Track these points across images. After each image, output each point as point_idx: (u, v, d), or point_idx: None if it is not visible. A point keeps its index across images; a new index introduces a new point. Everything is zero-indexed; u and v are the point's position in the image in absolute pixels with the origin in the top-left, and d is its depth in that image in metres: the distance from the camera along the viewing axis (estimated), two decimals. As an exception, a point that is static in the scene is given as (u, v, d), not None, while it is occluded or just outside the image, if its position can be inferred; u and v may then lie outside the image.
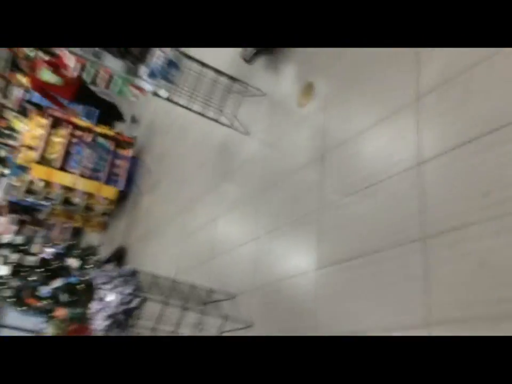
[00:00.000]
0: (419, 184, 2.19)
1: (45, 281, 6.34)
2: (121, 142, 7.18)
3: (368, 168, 2.56)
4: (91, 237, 8.05)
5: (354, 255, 2.43)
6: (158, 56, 4.03)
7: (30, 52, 8.02)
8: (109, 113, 8.05)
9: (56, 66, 7.04)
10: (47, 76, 6.89)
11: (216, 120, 4.01)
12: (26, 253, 6.44)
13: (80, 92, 7.24)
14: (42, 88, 7.15)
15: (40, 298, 6.35)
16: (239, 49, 4.40)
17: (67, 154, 6.79)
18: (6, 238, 6.81)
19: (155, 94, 4.08)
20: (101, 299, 3.04)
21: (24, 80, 9.29)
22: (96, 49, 4.03)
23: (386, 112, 2.54)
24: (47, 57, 7.51)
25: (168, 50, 4.04)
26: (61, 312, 6.37)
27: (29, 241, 6.74)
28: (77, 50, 4.13)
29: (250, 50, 4.24)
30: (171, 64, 4.07)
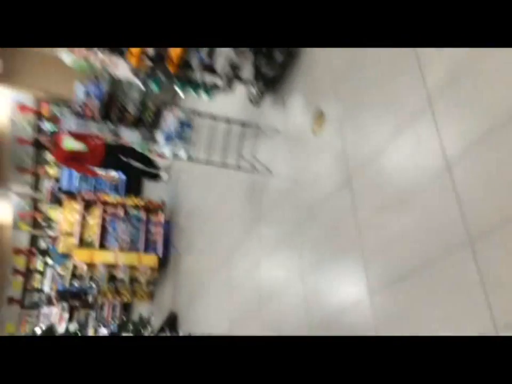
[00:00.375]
0: (452, 186, 2.09)
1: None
2: (152, 209, 7.30)
3: (397, 182, 2.48)
4: (141, 309, 8.05)
5: (404, 274, 2.32)
6: (170, 119, 4.11)
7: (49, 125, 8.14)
8: (143, 174, 8.05)
9: (78, 134, 7.04)
10: (70, 144, 6.89)
11: (237, 168, 4.01)
12: (82, 338, 6.47)
13: (107, 157, 7.27)
14: (69, 158, 7.08)
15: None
16: (246, 94, 4.44)
17: (104, 232, 6.93)
18: (61, 328, 6.89)
19: (175, 157, 4.14)
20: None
21: (51, 171, 9.58)
22: (111, 125, 4.14)
23: (402, 121, 2.48)
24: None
25: (178, 112, 4.12)
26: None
27: (82, 327, 6.80)
28: (94, 127, 4.21)
29: (256, 92, 4.28)
30: (183, 124, 4.14)
